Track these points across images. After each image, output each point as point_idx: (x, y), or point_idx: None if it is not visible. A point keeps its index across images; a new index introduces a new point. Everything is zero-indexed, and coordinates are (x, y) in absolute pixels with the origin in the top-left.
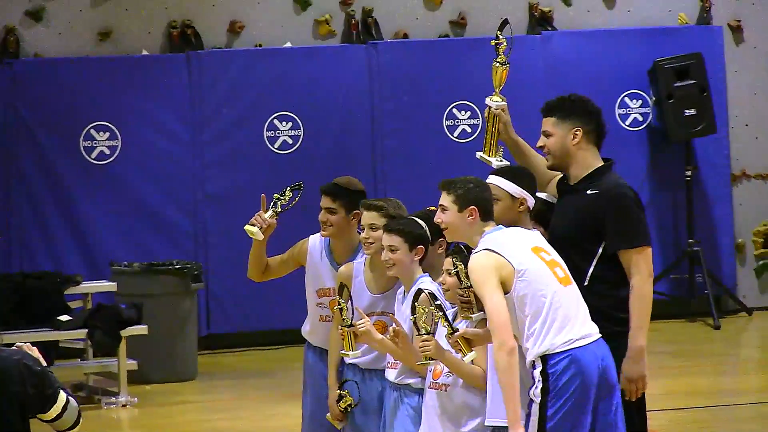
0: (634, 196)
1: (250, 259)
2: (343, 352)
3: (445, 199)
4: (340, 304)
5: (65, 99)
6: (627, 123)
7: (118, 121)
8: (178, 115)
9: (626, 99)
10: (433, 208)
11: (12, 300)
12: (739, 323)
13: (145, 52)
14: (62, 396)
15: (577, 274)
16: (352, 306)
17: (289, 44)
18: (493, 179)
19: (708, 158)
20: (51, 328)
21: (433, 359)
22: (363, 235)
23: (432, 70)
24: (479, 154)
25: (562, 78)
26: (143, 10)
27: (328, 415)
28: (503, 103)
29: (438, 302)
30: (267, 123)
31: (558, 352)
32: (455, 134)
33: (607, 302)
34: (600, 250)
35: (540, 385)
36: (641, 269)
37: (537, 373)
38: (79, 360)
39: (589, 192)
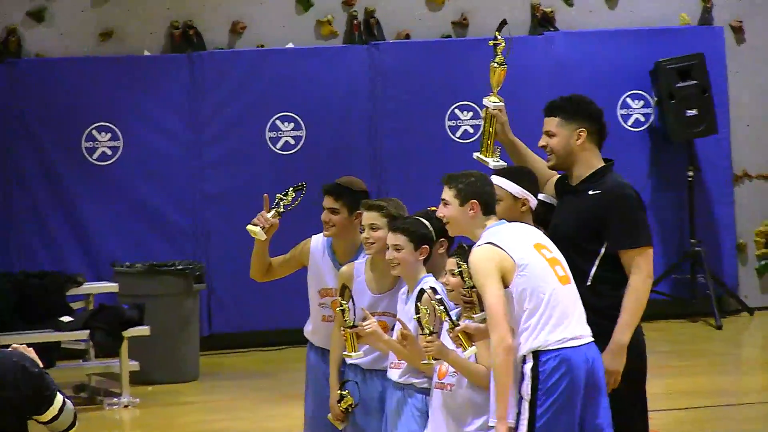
0: (636, 197)
1: (253, 259)
2: (345, 353)
3: (447, 194)
4: (341, 305)
5: (67, 99)
6: (629, 123)
7: (120, 121)
8: (180, 115)
9: (628, 99)
10: (434, 208)
11: (12, 300)
12: (741, 323)
13: (147, 53)
14: (59, 398)
15: (580, 275)
16: (354, 307)
17: (291, 45)
18: (495, 180)
19: (709, 158)
20: (53, 329)
21: (437, 359)
22: (364, 235)
23: (434, 71)
24: (476, 154)
25: (564, 78)
26: (145, 11)
27: (329, 415)
28: (501, 103)
29: (439, 297)
30: (269, 123)
31: (550, 350)
32: (457, 135)
33: (609, 303)
34: (602, 251)
35: (530, 382)
36: (641, 269)
37: (528, 368)
38: (81, 361)
39: (591, 192)
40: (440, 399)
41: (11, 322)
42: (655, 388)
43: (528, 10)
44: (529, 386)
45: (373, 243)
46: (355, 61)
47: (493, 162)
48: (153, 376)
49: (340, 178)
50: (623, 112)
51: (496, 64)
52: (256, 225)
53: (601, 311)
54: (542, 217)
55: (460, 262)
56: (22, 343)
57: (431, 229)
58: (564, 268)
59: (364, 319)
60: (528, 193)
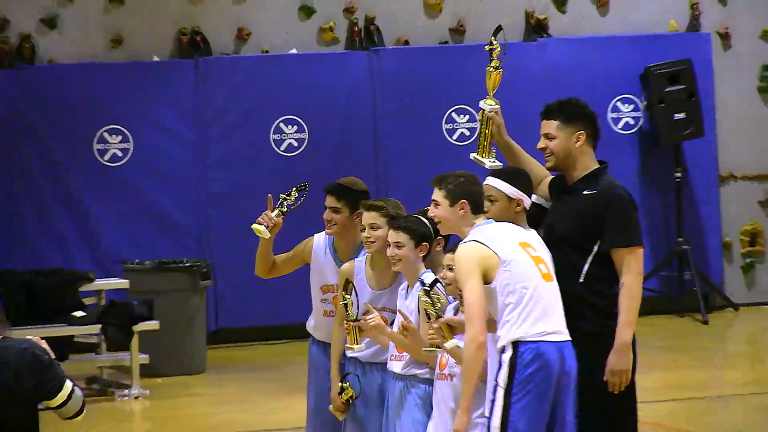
0: (629, 198)
1: (258, 257)
2: (348, 345)
3: (437, 195)
4: (345, 299)
5: (79, 103)
6: (619, 126)
7: (130, 124)
8: (188, 118)
9: (618, 103)
10: (429, 208)
11: (25, 296)
12: (727, 319)
13: (155, 58)
14: (68, 385)
15: (573, 271)
16: (357, 301)
17: (294, 50)
18: (490, 181)
19: (696, 160)
20: (66, 324)
21: (438, 347)
22: (364, 234)
23: (432, 76)
24: (473, 155)
25: (557, 83)
26: (153, 18)
27: (331, 407)
28: (496, 106)
29: (426, 288)
30: (273, 126)
31: (528, 341)
32: (454, 137)
33: (600, 298)
34: (595, 249)
35: (506, 371)
36: (632, 268)
37: (506, 357)
38: (93, 354)
39: (586, 192)
40: (442, 389)
41: (25, 318)
42: (644, 382)
43: (522, 17)
44: (506, 375)
45: (374, 242)
46: (355, 66)
47: (489, 163)
48: (162, 369)
49: (342, 179)
50: (613, 115)
51: (491, 68)
52: (260, 224)
53: (593, 306)
54: (534, 218)
55: None
56: (35, 336)
57: (430, 227)
58: (548, 266)
59: (367, 312)
60: (522, 193)
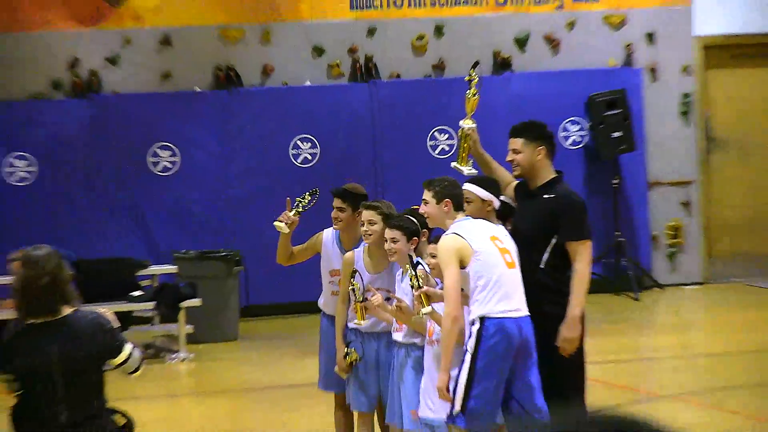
0: (581, 201)
1: (279, 248)
2: (356, 321)
3: (427, 195)
4: (352, 284)
5: (136, 125)
6: (568, 143)
7: (177, 142)
8: (222, 137)
9: (568, 124)
10: (416, 207)
11: (93, 279)
12: (654, 296)
13: (197, 89)
14: (127, 347)
15: (536, 260)
16: (363, 286)
17: (308, 83)
18: (467, 186)
19: (630, 170)
20: (126, 301)
21: (425, 313)
22: (363, 228)
23: (419, 103)
24: (453, 164)
25: (519, 109)
26: (195, 57)
27: (336, 368)
28: (473, 125)
29: (413, 265)
30: (291, 143)
31: (493, 317)
32: (436, 152)
33: (556, 281)
34: (553, 242)
35: (474, 340)
36: (584, 257)
37: (474, 329)
38: (149, 325)
39: (545, 197)
40: (430, 353)
41: (95, 297)
42: (590, 346)
43: (491, 55)
44: (474, 343)
45: (371, 234)
46: (358, 95)
47: (466, 170)
48: (203, 338)
49: (346, 184)
50: (563, 134)
51: (470, 94)
52: (280, 221)
53: (551, 287)
54: (503, 214)
55: None
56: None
57: (418, 224)
58: (512, 256)
59: (368, 291)
60: (493, 196)
